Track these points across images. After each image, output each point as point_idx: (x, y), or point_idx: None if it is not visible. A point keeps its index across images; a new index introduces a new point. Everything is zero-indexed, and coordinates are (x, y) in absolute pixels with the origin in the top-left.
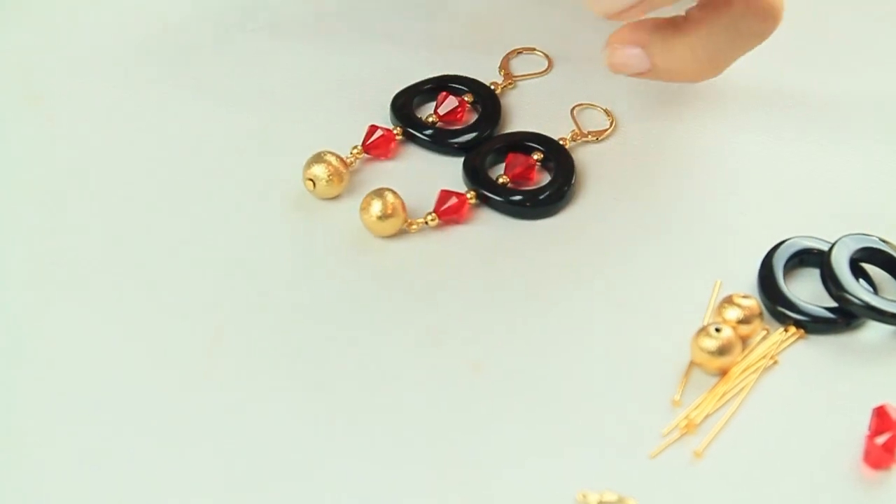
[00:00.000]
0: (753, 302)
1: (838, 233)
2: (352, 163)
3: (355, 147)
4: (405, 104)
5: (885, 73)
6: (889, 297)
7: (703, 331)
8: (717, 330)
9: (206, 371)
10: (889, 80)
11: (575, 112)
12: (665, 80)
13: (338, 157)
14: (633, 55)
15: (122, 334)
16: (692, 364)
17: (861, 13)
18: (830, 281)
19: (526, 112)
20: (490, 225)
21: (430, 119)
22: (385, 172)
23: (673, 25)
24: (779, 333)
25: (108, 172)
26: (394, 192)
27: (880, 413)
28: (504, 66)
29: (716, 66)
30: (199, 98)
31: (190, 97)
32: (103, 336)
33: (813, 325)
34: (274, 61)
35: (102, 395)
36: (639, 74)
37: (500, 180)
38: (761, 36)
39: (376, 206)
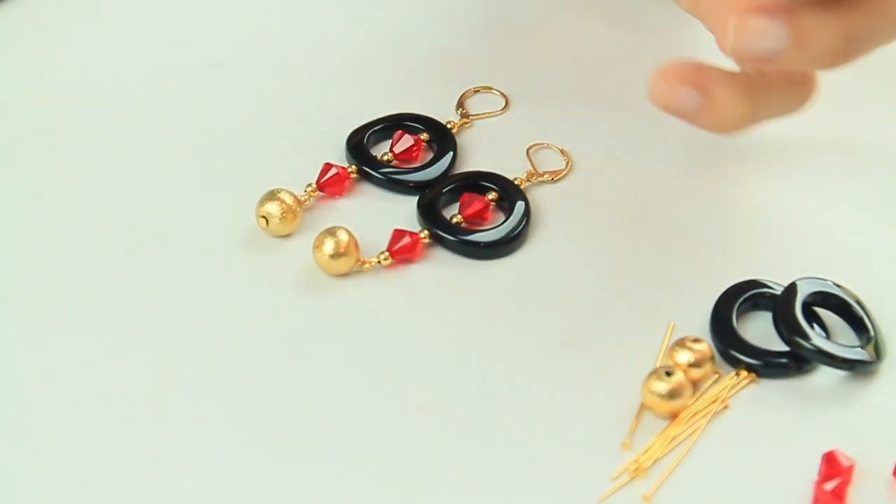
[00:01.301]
0: (705, 345)
1: (792, 276)
2: (305, 200)
3: (309, 185)
4: (360, 142)
5: (843, 117)
6: (841, 342)
7: (653, 374)
8: (668, 373)
9: (154, 410)
10: (847, 124)
11: (531, 152)
12: (788, 66)
13: (291, 194)
14: (766, 31)
15: (70, 371)
16: (643, 407)
17: None
18: (783, 325)
19: (482, 151)
20: (443, 264)
21: (386, 157)
22: (339, 210)
23: None
24: (730, 377)
25: (58, 205)
26: (347, 231)
27: (829, 459)
28: (461, 105)
29: (856, 48)
30: (154, 133)
31: (144, 132)
32: (48, 374)
33: (764, 369)
34: (229, 97)
35: (47, 434)
36: (762, 61)
37: (455, 220)
38: None
39: (329, 245)
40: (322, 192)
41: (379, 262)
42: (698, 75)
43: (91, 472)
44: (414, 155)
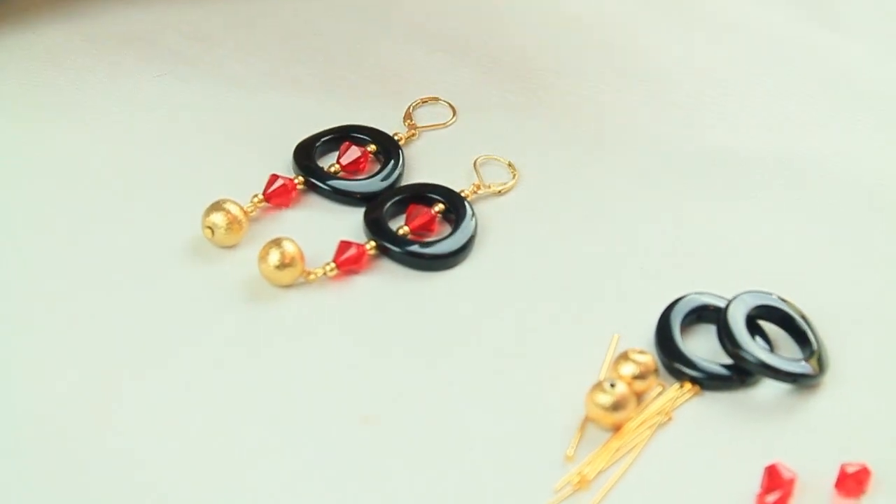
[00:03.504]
0: (649, 358)
1: (737, 290)
2: (252, 211)
3: (256, 195)
4: (307, 153)
5: (786, 132)
6: (784, 356)
7: (597, 386)
8: (612, 385)
9: (95, 421)
10: (788, 139)
11: (478, 164)
12: None
13: (237, 205)
14: None
15: (8, 382)
16: (587, 419)
17: (763, 75)
18: (726, 338)
19: (429, 163)
20: (389, 276)
21: (333, 169)
22: (285, 222)
23: None
24: (674, 390)
25: None
26: (292, 242)
27: (771, 471)
28: (408, 116)
29: None
30: (99, 142)
31: (89, 141)
32: None
33: (708, 381)
34: (176, 107)
35: None
36: None
37: (401, 231)
38: None
39: (274, 256)
40: (268, 202)
41: (325, 273)
42: None
43: (27, 487)
44: (361, 166)
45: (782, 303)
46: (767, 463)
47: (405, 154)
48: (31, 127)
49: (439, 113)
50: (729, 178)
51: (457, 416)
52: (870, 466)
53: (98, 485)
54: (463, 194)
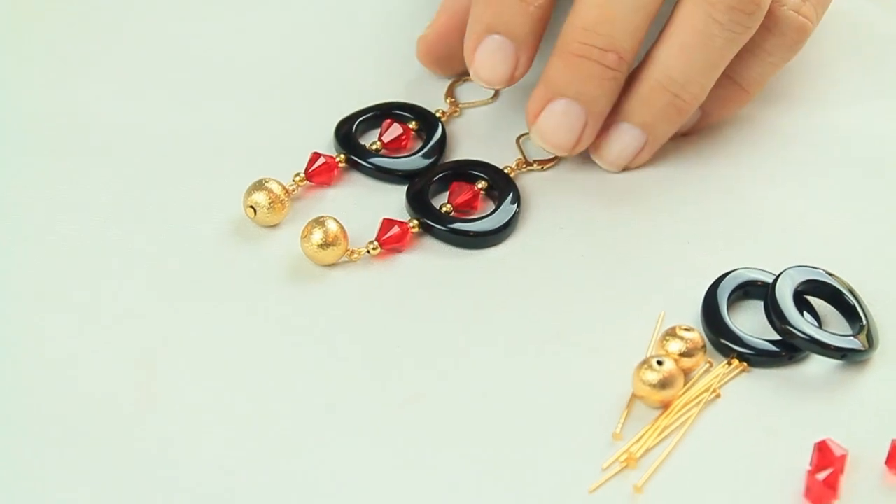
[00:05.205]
0: (696, 334)
1: (784, 265)
2: (294, 190)
3: (297, 174)
4: (349, 131)
5: (833, 106)
6: (833, 331)
7: (644, 363)
8: (660, 363)
9: (138, 401)
10: (837, 114)
11: (520, 140)
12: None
13: (279, 184)
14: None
15: (52, 360)
16: (634, 397)
17: (810, 48)
18: (774, 314)
19: (471, 140)
20: (433, 254)
21: (374, 146)
22: (327, 200)
23: None
24: (722, 366)
25: (42, 190)
26: (335, 221)
27: (822, 448)
28: (450, 94)
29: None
30: (142, 123)
31: (132, 122)
32: (33, 361)
33: (756, 358)
34: (217, 87)
35: (29, 422)
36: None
37: (444, 209)
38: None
39: (317, 235)
40: (310, 181)
41: (368, 251)
42: None
43: (69, 466)
44: (403, 144)
45: (830, 277)
46: (817, 440)
47: (447, 131)
48: (73, 103)
49: (482, 89)
50: (775, 154)
51: (502, 395)
52: None
53: (141, 466)
54: (506, 171)
